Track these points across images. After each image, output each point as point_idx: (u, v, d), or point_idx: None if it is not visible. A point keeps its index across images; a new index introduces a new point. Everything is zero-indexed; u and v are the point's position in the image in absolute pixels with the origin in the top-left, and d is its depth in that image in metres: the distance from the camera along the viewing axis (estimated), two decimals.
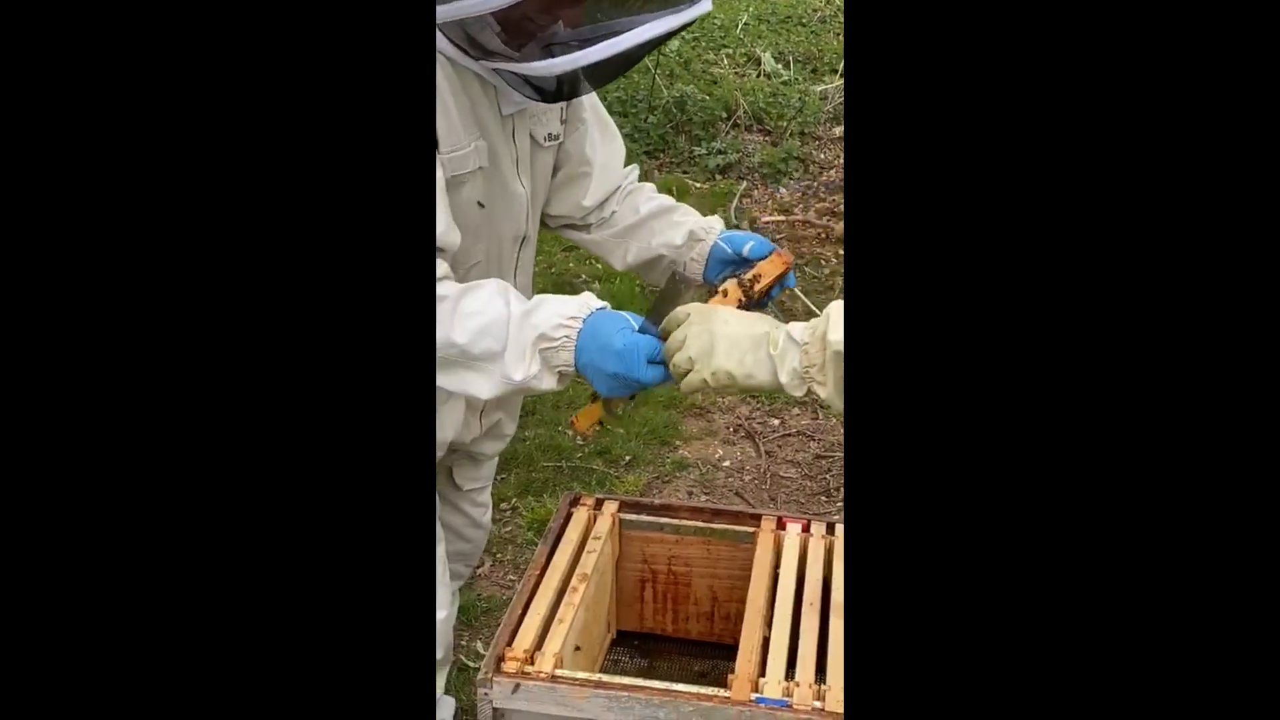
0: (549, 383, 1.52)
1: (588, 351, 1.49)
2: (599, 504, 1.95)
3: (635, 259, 1.93)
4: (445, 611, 1.83)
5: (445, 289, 1.51)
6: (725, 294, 1.70)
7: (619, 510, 1.93)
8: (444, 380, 1.53)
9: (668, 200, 1.95)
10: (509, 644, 1.62)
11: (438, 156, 1.57)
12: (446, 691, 2.27)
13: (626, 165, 1.96)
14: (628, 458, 3.26)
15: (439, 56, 1.55)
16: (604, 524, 1.90)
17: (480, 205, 1.68)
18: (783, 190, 5.01)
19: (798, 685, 1.55)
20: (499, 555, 2.88)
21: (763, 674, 1.58)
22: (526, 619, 1.67)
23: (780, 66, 5.95)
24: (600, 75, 1.59)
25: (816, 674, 1.59)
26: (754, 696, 1.53)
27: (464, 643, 2.58)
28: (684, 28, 1.53)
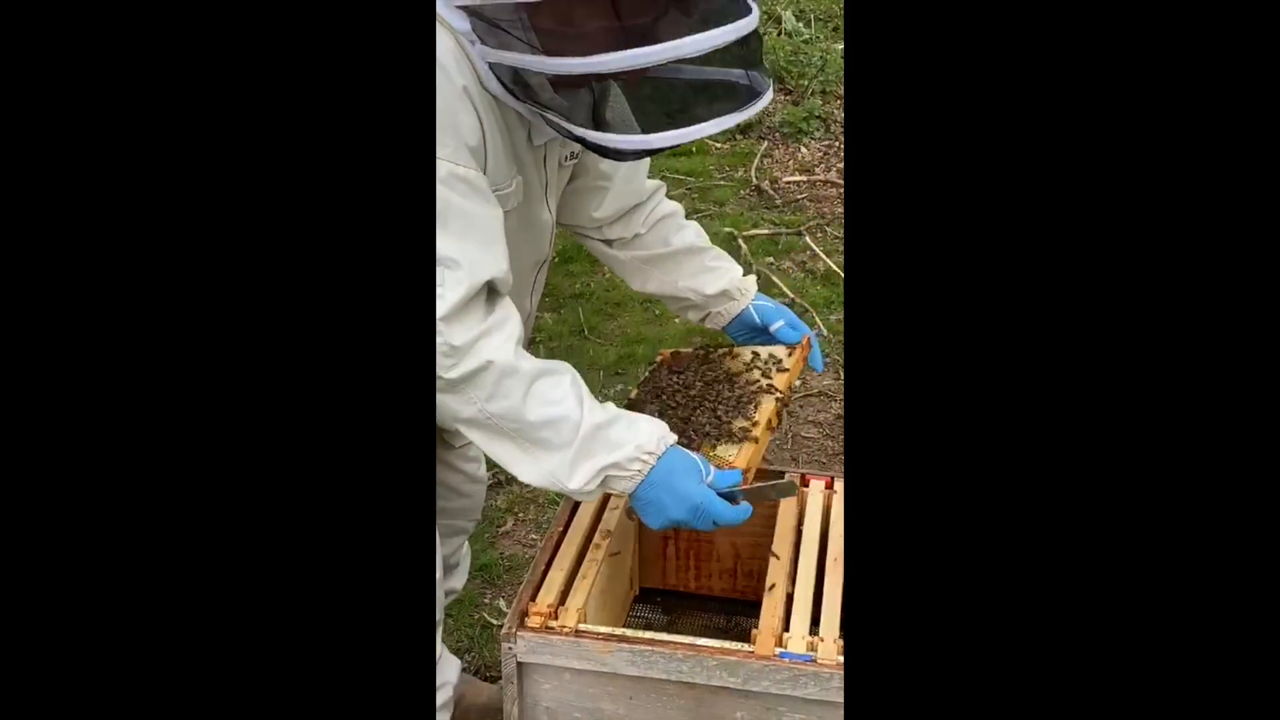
0: (593, 498, 1.52)
1: (656, 489, 1.50)
2: None
3: (656, 290, 1.93)
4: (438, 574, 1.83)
5: (522, 362, 1.46)
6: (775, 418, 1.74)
7: None
8: (486, 444, 1.49)
9: (699, 237, 1.93)
10: (532, 599, 1.62)
11: (493, 193, 1.52)
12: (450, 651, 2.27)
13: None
14: None
15: (484, 94, 1.47)
16: None
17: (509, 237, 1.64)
18: (804, 150, 4.96)
19: (822, 640, 1.55)
20: (520, 514, 2.89)
21: (786, 629, 1.58)
22: (550, 575, 1.67)
23: (801, 25, 5.87)
24: (648, 153, 1.53)
25: (841, 629, 1.58)
26: (778, 651, 1.53)
27: (487, 600, 2.60)
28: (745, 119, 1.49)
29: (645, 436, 1.50)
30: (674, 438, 1.53)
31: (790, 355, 1.84)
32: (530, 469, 1.49)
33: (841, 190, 4.59)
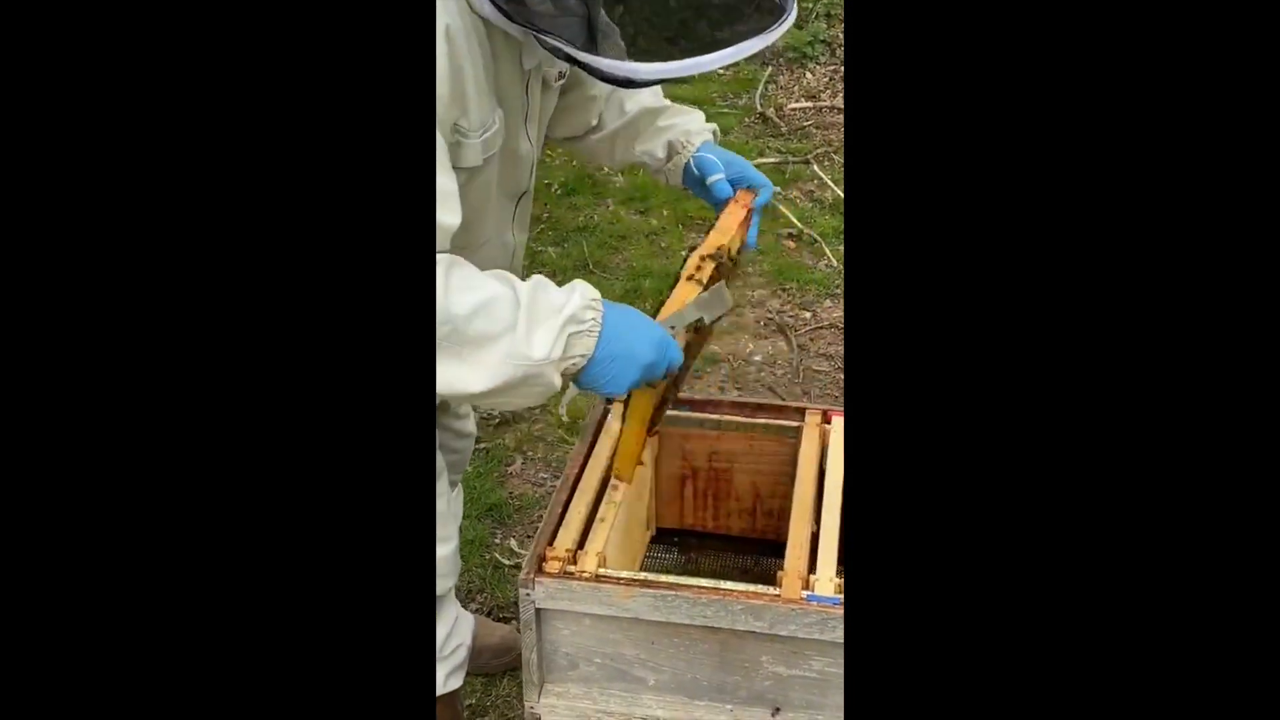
0: (557, 379, 1.34)
1: (617, 340, 1.35)
2: None
3: (623, 159, 1.84)
4: (450, 546, 1.78)
5: None
6: (699, 271, 1.56)
7: None
8: None
9: (654, 97, 1.80)
10: (550, 543, 1.57)
11: (472, 141, 1.42)
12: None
13: None
14: None
15: (473, 19, 1.34)
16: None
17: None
18: (809, 75, 4.84)
19: None
20: (529, 453, 2.84)
21: (813, 570, 1.53)
22: (567, 518, 1.62)
23: None
24: (662, 82, 1.38)
25: None
26: (805, 594, 1.49)
27: (498, 540, 2.56)
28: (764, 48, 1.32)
29: (581, 288, 1.36)
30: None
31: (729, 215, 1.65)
32: (482, 374, 1.29)
33: None
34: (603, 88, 1.74)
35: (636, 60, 1.27)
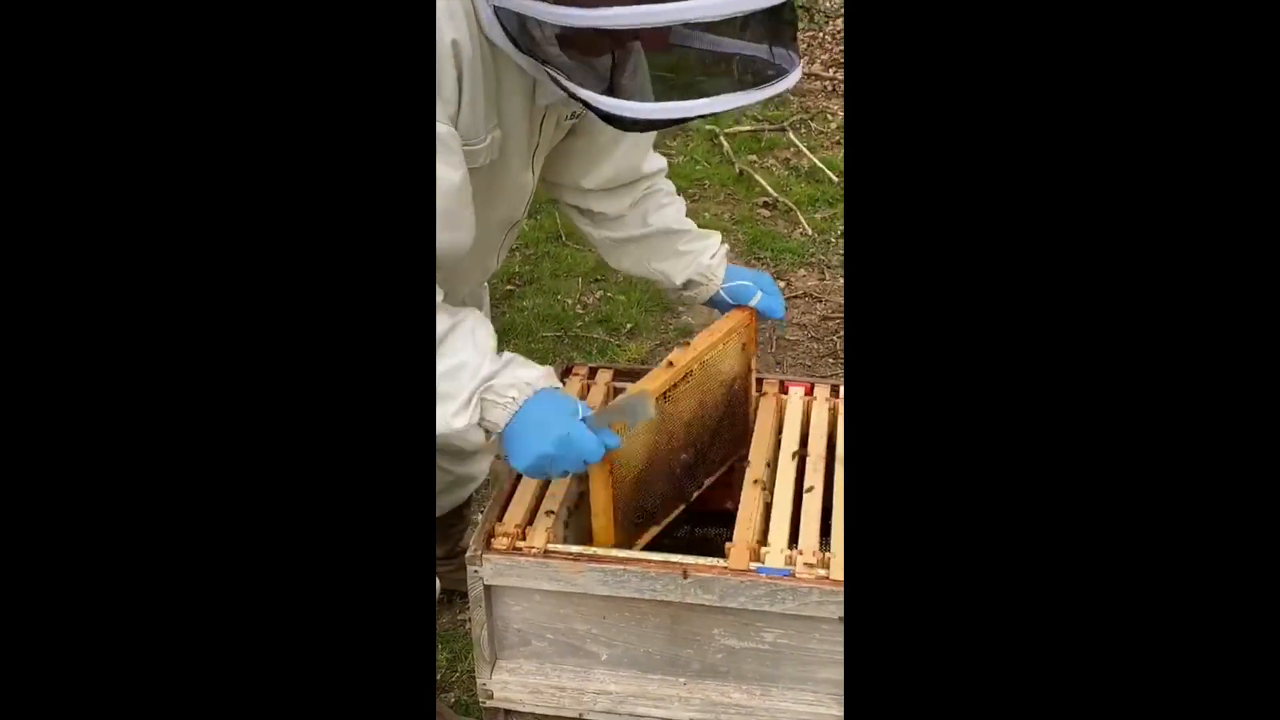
0: (477, 436, 1.45)
1: (523, 423, 1.44)
2: (593, 373, 1.87)
3: (630, 268, 1.86)
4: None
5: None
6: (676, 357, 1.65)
7: (613, 379, 1.85)
8: None
9: (677, 217, 1.82)
10: (499, 520, 1.56)
11: (461, 149, 1.43)
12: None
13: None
14: (629, 326, 3.17)
15: (480, 39, 1.38)
16: (598, 394, 1.82)
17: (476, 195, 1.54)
18: None
19: (800, 553, 1.49)
20: None
21: (764, 542, 1.52)
22: (517, 494, 1.60)
23: None
24: (650, 125, 1.40)
25: (821, 540, 1.52)
26: (754, 566, 1.47)
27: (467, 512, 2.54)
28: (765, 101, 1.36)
29: (527, 373, 1.46)
30: (558, 384, 1.50)
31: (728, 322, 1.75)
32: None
33: (825, 84, 4.43)
34: (611, 151, 1.73)
35: (629, 100, 1.29)
